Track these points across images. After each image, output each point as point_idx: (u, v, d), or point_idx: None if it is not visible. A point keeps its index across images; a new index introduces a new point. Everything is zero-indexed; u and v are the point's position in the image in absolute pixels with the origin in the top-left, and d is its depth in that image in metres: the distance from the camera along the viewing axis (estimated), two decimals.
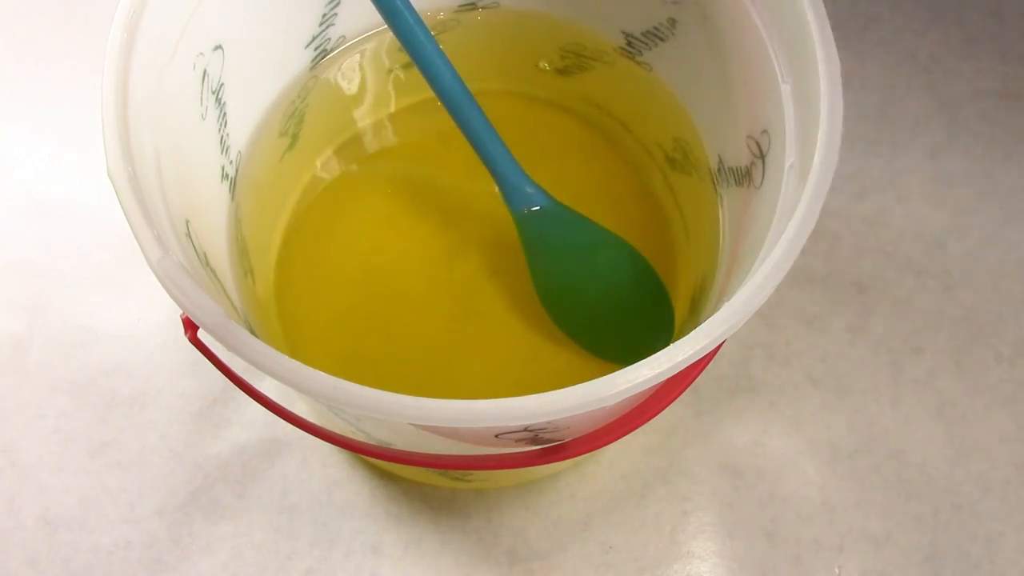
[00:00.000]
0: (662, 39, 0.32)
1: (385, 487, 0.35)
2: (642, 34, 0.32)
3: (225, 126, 0.29)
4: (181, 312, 0.22)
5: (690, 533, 0.34)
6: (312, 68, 0.34)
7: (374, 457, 0.29)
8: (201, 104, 0.28)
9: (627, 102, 0.35)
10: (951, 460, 0.36)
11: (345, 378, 0.20)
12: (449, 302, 0.34)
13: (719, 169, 0.30)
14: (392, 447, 0.27)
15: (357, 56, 0.35)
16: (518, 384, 0.34)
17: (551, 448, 0.25)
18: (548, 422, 0.21)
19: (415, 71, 0.29)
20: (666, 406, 0.25)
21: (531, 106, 0.37)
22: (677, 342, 0.20)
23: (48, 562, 0.34)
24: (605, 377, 0.20)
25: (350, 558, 0.34)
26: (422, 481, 0.35)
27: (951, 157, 0.41)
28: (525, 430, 0.22)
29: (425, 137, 0.37)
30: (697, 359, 0.21)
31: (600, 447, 0.26)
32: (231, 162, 0.30)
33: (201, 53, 0.27)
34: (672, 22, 0.31)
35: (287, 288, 0.34)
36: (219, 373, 0.26)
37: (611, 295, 0.34)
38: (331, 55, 0.34)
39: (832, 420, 0.36)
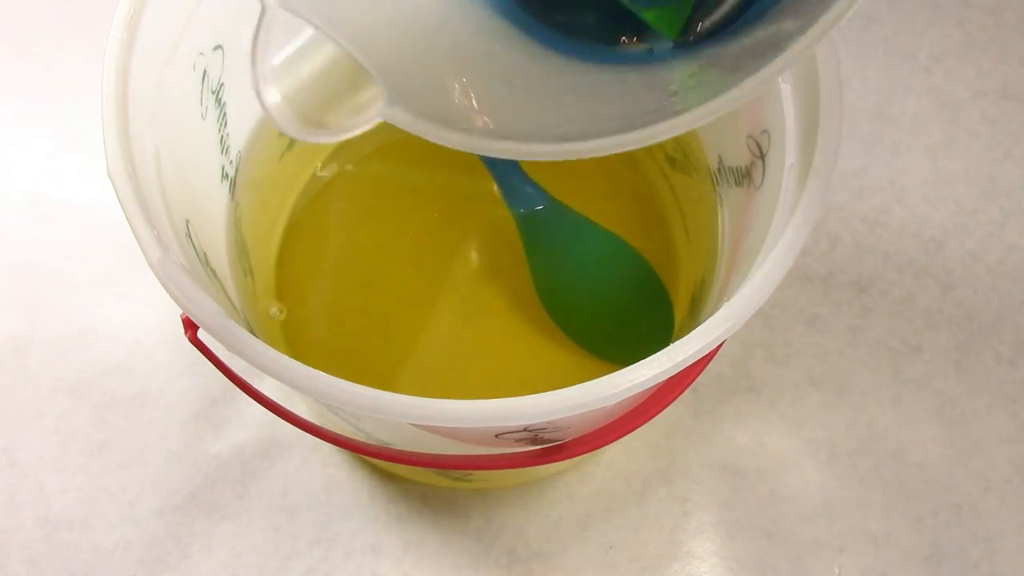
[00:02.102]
0: None
1: (385, 487, 0.35)
2: None
3: (225, 126, 0.29)
4: (181, 312, 0.22)
5: (690, 533, 0.34)
6: None
7: (374, 457, 0.29)
8: (201, 104, 0.28)
9: None
10: (951, 460, 0.36)
11: (345, 378, 0.20)
12: (449, 302, 0.34)
13: (719, 169, 0.30)
14: (392, 447, 0.27)
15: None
16: (518, 384, 0.34)
17: (551, 448, 0.25)
18: (548, 422, 0.21)
19: None
20: (666, 406, 0.25)
21: None
22: (677, 342, 0.21)
23: (48, 562, 0.34)
24: (605, 377, 0.20)
25: (350, 558, 0.34)
26: (422, 481, 0.35)
27: (951, 157, 0.41)
28: (525, 430, 0.22)
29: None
30: (697, 359, 0.21)
31: (600, 447, 0.26)
32: (231, 162, 0.30)
33: (201, 53, 0.27)
34: None
35: (287, 288, 0.34)
36: (219, 373, 0.26)
37: (611, 295, 0.34)
38: None
39: (832, 420, 0.36)
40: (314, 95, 0.17)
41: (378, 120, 0.17)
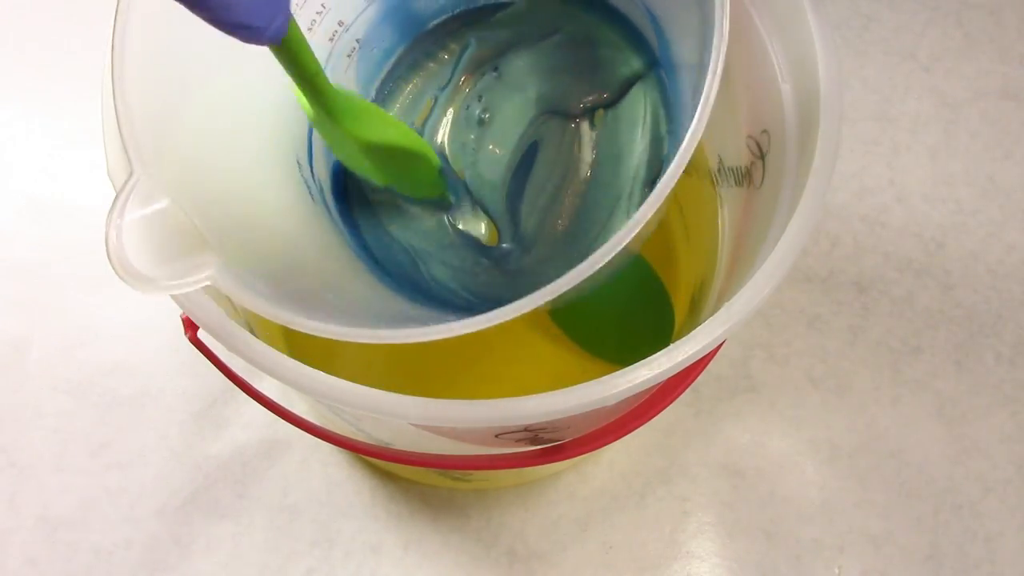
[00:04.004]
0: None
1: (385, 487, 0.35)
2: None
3: None
4: (181, 312, 0.22)
5: (690, 533, 0.34)
6: None
7: (374, 457, 0.29)
8: None
9: None
10: (951, 460, 0.36)
11: (345, 378, 0.20)
12: None
13: (719, 169, 0.30)
14: (392, 447, 0.27)
15: None
16: (518, 384, 0.34)
17: (551, 448, 0.25)
18: (548, 422, 0.21)
19: None
20: (666, 406, 0.25)
21: None
22: (677, 342, 0.20)
23: (48, 562, 0.34)
24: (605, 377, 0.20)
25: (350, 558, 0.34)
26: (422, 481, 0.35)
27: (951, 157, 0.41)
28: (525, 430, 0.22)
29: None
30: (697, 359, 0.21)
31: (600, 447, 0.26)
32: None
33: None
34: None
35: None
36: (219, 373, 0.26)
37: (611, 296, 0.34)
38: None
39: (832, 420, 0.36)
40: (155, 252, 0.20)
41: (206, 284, 0.19)
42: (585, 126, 0.28)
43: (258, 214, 0.24)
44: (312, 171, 0.27)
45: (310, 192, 0.26)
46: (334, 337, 0.19)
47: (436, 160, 0.27)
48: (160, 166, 0.20)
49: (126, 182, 0.19)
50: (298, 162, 0.26)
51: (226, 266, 0.19)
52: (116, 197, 0.19)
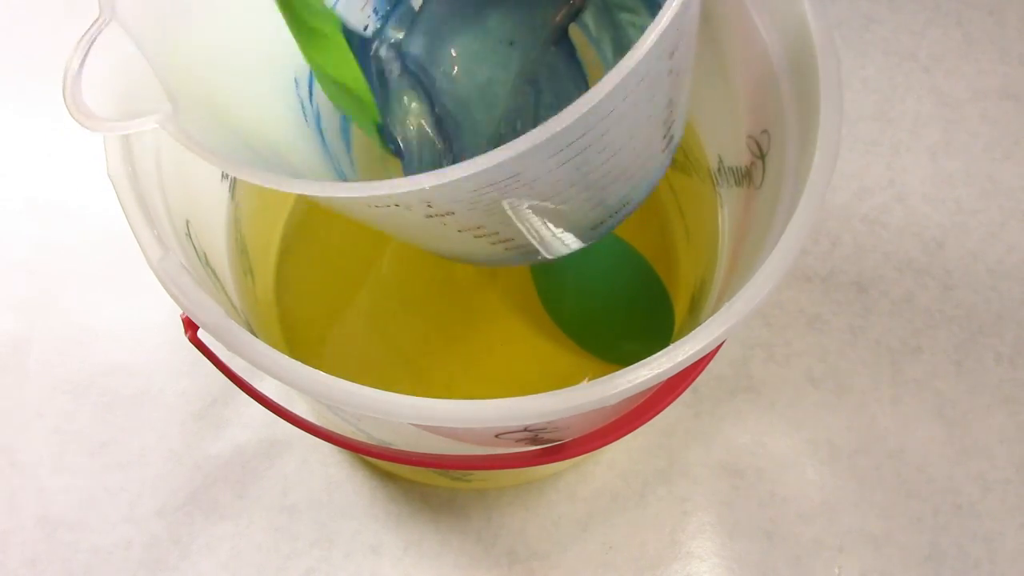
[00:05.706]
0: None
1: (385, 487, 0.35)
2: None
3: None
4: (181, 312, 0.22)
5: (690, 533, 0.34)
6: None
7: (374, 457, 0.29)
8: None
9: None
10: (951, 460, 0.36)
11: (345, 378, 0.20)
12: (449, 302, 0.34)
13: (719, 169, 0.30)
14: (392, 447, 0.27)
15: None
16: (518, 384, 0.34)
17: (551, 448, 0.25)
18: (548, 422, 0.21)
19: None
20: (666, 406, 0.25)
21: None
22: (677, 342, 0.21)
23: (48, 562, 0.34)
24: (605, 377, 0.20)
25: (350, 558, 0.34)
26: (422, 481, 0.35)
27: (951, 157, 0.41)
28: (525, 430, 0.22)
29: None
30: (697, 359, 0.21)
31: (600, 447, 0.26)
32: None
33: None
34: None
35: (287, 288, 0.34)
36: (219, 373, 0.26)
37: (611, 295, 0.34)
38: None
39: (832, 420, 0.36)
40: (111, 95, 0.20)
41: (154, 127, 0.19)
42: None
43: (232, 104, 0.23)
44: (311, 93, 0.27)
45: (303, 111, 0.26)
46: (282, 188, 0.18)
47: (375, 117, 0.28)
48: (132, 16, 0.20)
49: (94, 23, 0.19)
50: (296, 79, 0.26)
51: (179, 116, 0.19)
52: (82, 35, 0.20)
